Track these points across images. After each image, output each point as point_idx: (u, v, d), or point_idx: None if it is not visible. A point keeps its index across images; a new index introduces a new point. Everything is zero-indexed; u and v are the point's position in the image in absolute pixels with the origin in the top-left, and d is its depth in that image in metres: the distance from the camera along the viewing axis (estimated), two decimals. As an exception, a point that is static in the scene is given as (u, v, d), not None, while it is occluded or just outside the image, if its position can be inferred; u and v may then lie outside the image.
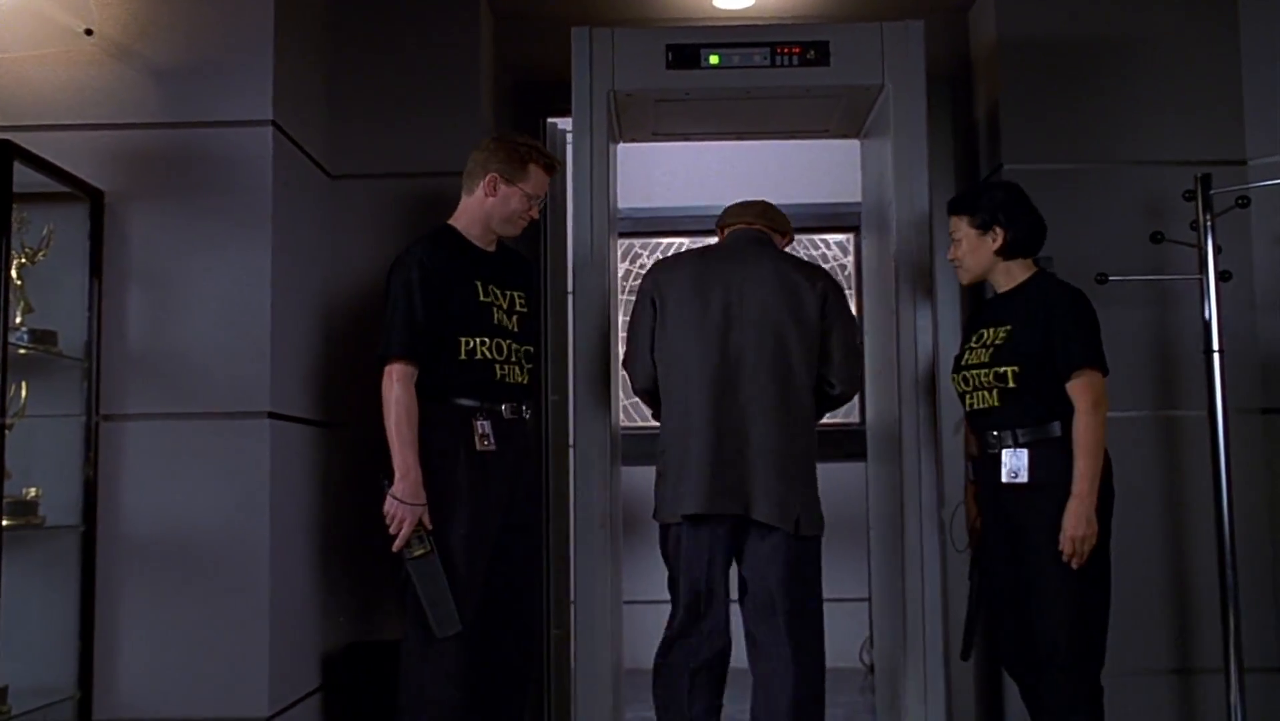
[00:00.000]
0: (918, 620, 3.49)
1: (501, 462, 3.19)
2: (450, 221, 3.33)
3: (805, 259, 3.75)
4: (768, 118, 3.94)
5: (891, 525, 3.66)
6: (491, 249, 3.32)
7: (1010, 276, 3.28)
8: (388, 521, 3.04)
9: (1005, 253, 3.25)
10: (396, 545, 3.03)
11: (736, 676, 3.41)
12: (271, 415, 3.31)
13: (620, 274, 6.09)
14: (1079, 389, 3.08)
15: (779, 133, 4.17)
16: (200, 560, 3.24)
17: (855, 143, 4.20)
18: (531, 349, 3.34)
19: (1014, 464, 3.16)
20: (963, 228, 3.31)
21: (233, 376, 3.28)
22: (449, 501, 3.10)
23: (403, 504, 3.03)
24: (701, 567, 3.22)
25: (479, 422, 3.16)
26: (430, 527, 3.06)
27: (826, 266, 6.10)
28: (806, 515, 3.22)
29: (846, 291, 5.99)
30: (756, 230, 3.43)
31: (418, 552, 3.04)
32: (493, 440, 3.17)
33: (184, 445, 3.26)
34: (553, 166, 3.35)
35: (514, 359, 3.25)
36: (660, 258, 6.10)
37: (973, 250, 3.30)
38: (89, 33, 3.25)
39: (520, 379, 3.26)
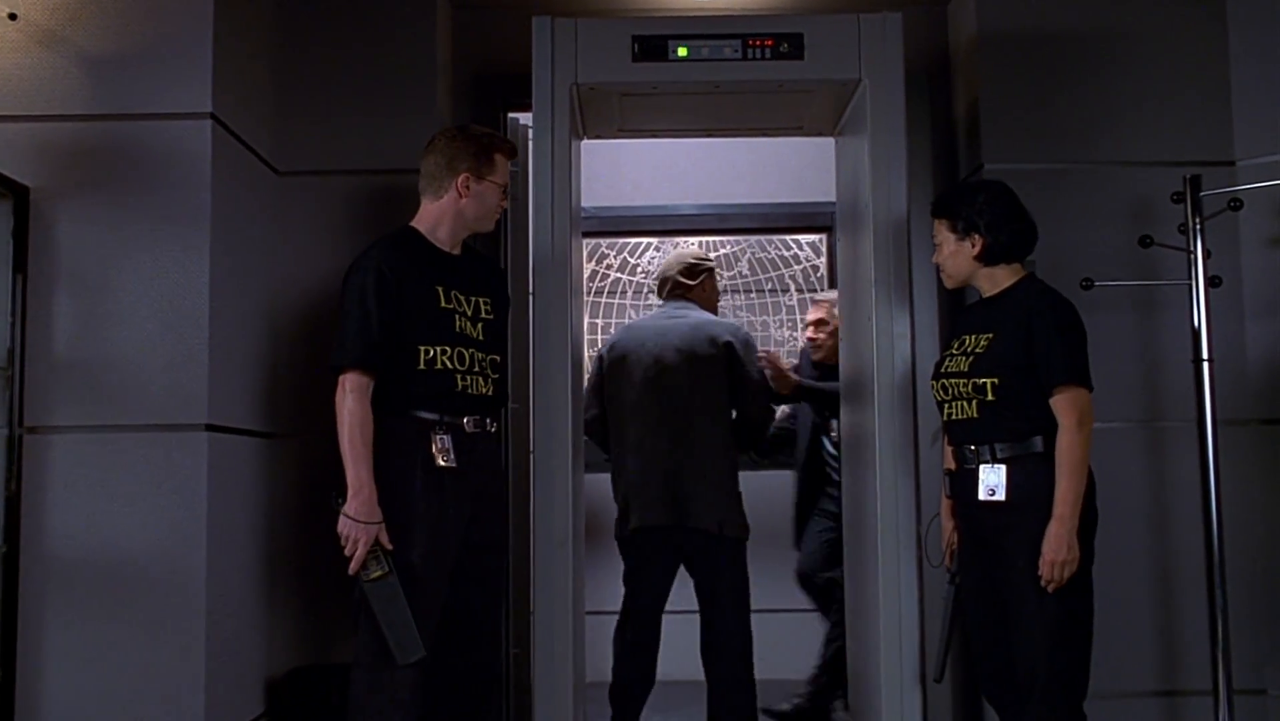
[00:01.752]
0: (894, 639, 3.32)
1: (462, 480, 3.01)
2: (413, 224, 3.15)
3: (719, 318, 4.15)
4: (739, 113, 3.76)
5: (865, 538, 3.50)
6: (456, 252, 3.15)
7: (994, 282, 3.11)
8: (342, 542, 2.85)
9: (985, 259, 3.08)
10: (353, 567, 2.84)
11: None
12: (210, 427, 3.11)
13: (586, 274, 5.93)
14: (1063, 405, 2.91)
15: (750, 129, 3.99)
16: (131, 582, 3.04)
17: (829, 140, 4.04)
18: (498, 358, 3.17)
19: (991, 480, 2.99)
20: (943, 232, 3.14)
21: (168, 386, 3.09)
22: (405, 521, 2.91)
23: (356, 523, 2.84)
24: None
25: (438, 437, 2.98)
26: (389, 547, 2.87)
27: (799, 268, 5.97)
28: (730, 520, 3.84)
29: (820, 292, 5.90)
30: (679, 294, 4.08)
31: (375, 574, 2.84)
32: (453, 456, 2.99)
33: (114, 459, 3.07)
34: (514, 150, 3.23)
35: (477, 369, 3.07)
36: (626, 259, 5.98)
37: (953, 256, 3.13)
38: (13, 17, 3.04)
39: (484, 390, 3.09)
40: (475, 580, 3.09)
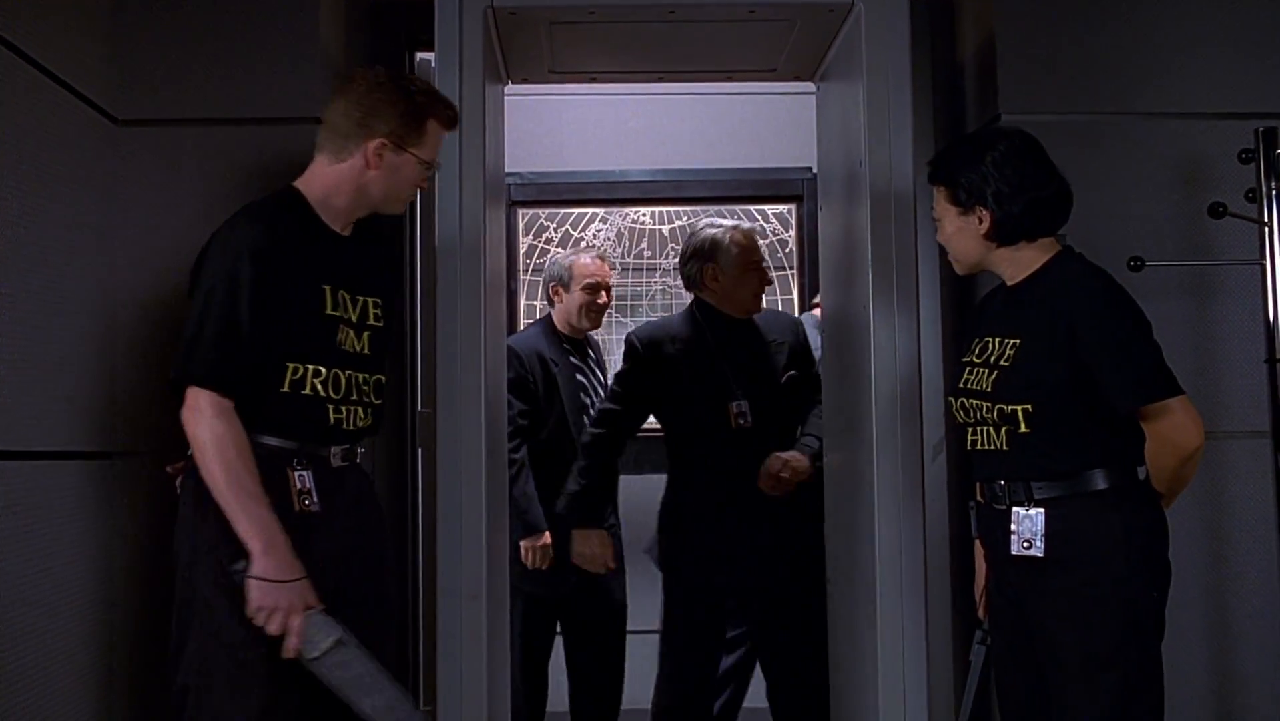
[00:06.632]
0: (896, 712, 2.66)
1: (328, 525, 2.30)
2: (298, 185, 2.39)
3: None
4: (699, 51, 3.07)
5: (858, 587, 2.81)
6: (347, 232, 2.41)
7: (1017, 266, 2.38)
8: (262, 621, 2.14)
9: (997, 238, 2.35)
10: (291, 646, 2.14)
11: None
12: (-1, 455, 2.35)
13: (523, 250, 5.22)
14: (1173, 430, 2.22)
15: (713, 72, 3.28)
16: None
17: (802, 98, 3.38)
18: (382, 379, 2.45)
19: (1026, 529, 2.28)
20: (943, 203, 2.40)
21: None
22: (239, 587, 2.18)
23: (277, 585, 2.13)
24: None
25: (297, 474, 2.27)
26: (320, 606, 2.17)
27: (765, 242, 5.28)
28: None
29: (789, 271, 5.24)
30: None
31: (327, 645, 2.15)
32: (315, 498, 2.28)
33: None
34: (454, 120, 2.47)
35: (355, 395, 2.35)
36: (568, 232, 5.28)
37: (956, 235, 2.39)
38: None
39: (362, 421, 2.38)
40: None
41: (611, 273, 3.90)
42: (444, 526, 2.63)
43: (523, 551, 3.54)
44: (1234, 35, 3.06)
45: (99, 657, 2.77)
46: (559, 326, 3.83)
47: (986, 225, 2.34)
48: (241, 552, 2.15)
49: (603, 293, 3.80)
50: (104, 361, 2.83)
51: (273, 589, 2.13)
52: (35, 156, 2.51)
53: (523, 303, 5.21)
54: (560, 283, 3.81)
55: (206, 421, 2.17)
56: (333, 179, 2.37)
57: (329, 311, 2.31)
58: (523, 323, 5.17)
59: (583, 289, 3.75)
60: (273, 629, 2.15)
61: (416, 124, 2.36)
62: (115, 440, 2.85)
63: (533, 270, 5.28)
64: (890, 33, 2.70)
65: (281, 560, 2.15)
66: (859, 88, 2.74)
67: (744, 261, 3.42)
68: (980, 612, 2.55)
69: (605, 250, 4.67)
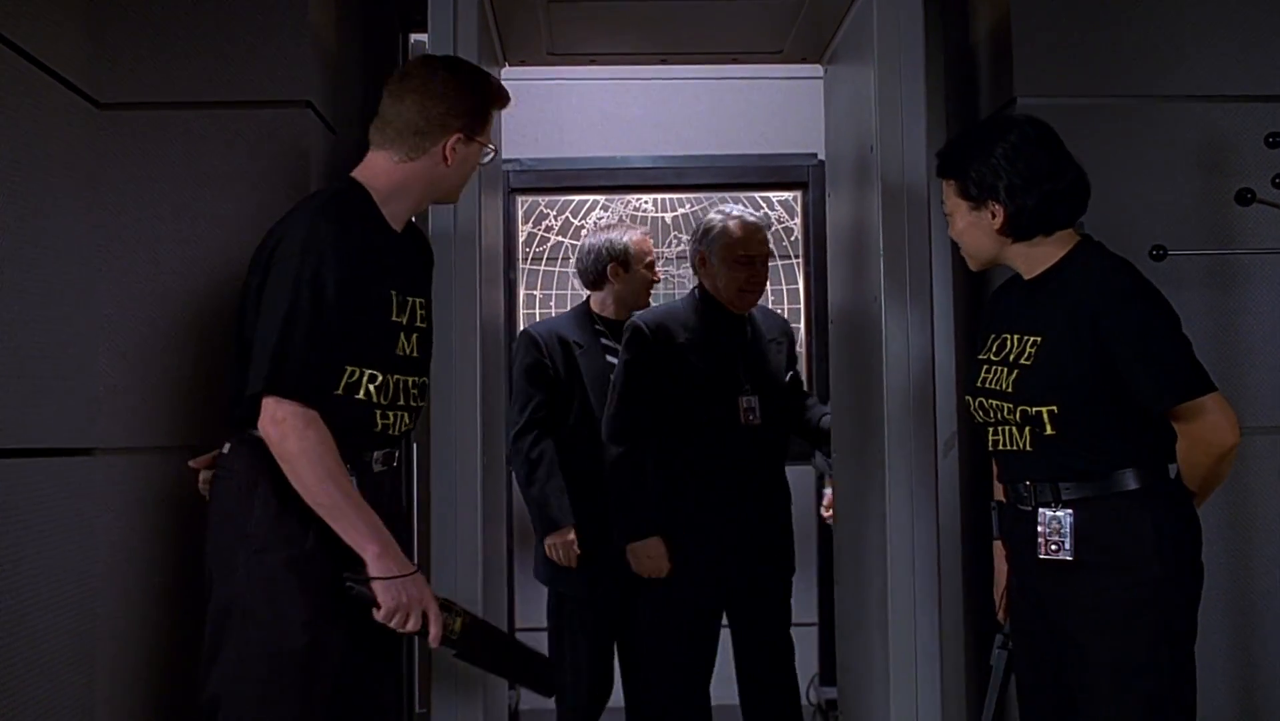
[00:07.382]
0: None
1: None
2: (361, 181, 2.29)
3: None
4: (702, 31, 3.00)
5: (869, 592, 2.71)
6: (400, 229, 2.33)
7: (1033, 260, 2.27)
8: (398, 624, 2.14)
9: (1012, 233, 2.24)
10: (434, 636, 2.17)
11: None
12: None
13: (523, 238, 5.13)
14: (1208, 429, 2.13)
15: (717, 53, 3.18)
16: None
17: (807, 82, 3.27)
18: (426, 381, 2.39)
19: (1053, 531, 2.18)
20: (953, 197, 2.30)
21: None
22: (283, 593, 2.13)
23: (402, 581, 2.12)
24: None
25: None
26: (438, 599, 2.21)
27: (769, 231, 5.16)
28: None
29: (794, 260, 5.14)
30: None
31: (458, 626, 2.21)
32: None
33: None
34: (507, 99, 2.42)
35: (403, 400, 2.28)
36: (569, 220, 5.18)
37: (969, 230, 2.29)
38: None
39: (405, 426, 2.32)
40: (371, 645, 2.29)
41: None
42: (438, 524, 2.54)
43: (547, 549, 3.46)
44: (1259, 14, 2.95)
45: (79, 662, 2.67)
46: (598, 309, 3.72)
47: (1000, 220, 2.24)
48: (297, 556, 2.12)
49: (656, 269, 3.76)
50: (86, 354, 2.73)
51: (400, 585, 2.12)
52: (13, 141, 2.41)
53: (522, 292, 5.13)
54: (620, 262, 3.68)
55: (298, 433, 2.09)
56: (402, 176, 2.28)
57: (394, 317, 2.24)
58: (522, 313, 5.09)
59: (646, 266, 3.68)
60: (411, 626, 2.14)
61: (484, 113, 2.32)
62: (96, 436, 2.75)
63: (532, 259, 5.18)
64: (903, 12, 2.60)
65: (397, 555, 2.14)
66: (870, 69, 2.64)
67: (730, 255, 3.29)
68: (1000, 616, 2.46)
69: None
